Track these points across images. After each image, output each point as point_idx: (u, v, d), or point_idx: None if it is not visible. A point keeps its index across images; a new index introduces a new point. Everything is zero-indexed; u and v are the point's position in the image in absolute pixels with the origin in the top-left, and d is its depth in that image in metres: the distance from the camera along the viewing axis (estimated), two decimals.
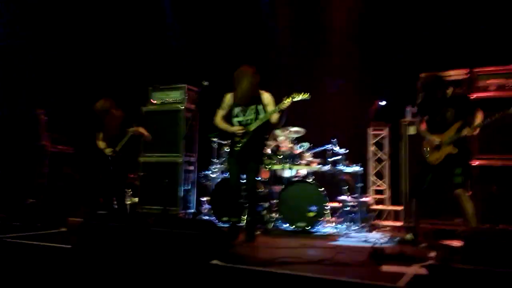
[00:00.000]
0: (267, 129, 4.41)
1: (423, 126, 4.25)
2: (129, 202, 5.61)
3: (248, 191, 4.30)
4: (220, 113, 4.36)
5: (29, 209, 5.20)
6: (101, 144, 4.83)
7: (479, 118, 3.94)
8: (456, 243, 4.13)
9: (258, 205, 4.87)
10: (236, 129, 4.21)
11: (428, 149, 4.11)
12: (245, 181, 4.35)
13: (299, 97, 4.02)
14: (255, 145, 4.23)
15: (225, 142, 5.46)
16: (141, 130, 4.83)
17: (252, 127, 4.16)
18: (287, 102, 4.02)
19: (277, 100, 4.16)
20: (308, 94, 4.05)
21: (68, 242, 3.51)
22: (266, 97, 4.24)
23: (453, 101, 4.04)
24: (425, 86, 4.18)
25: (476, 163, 4.63)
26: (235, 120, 4.28)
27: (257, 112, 4.19)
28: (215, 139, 5.74)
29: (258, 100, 4.21)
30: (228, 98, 4.32)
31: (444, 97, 4.07)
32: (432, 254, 3.50)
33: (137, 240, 3.23)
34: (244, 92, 4.13)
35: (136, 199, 5.82)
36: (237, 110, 4.27)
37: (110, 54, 7.31)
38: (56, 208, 5.21)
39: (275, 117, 4.13)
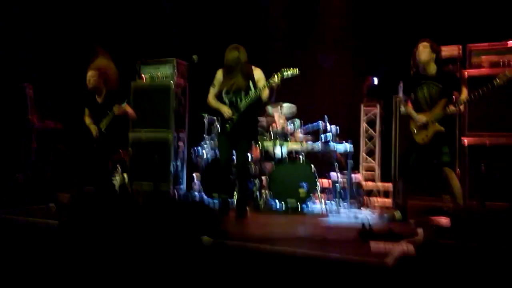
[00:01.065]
0: (258, 106, 4.36)
1: (410, 105, 4.21)
2: (118, 178, 5.57)
3: (238, 168, 4.28)
4: (212, 91, 4.28)
5: (17, 185, 5.14)
6: (87, 120, 4.73)
7: (464, 93, 3.92)
8: (444, 220, 4.19)
9: (248, 182, 4.87)
10: (226, 109, 4.15)
11: (415, 128, 4.09)
12: (235, 157, 4.33)
13: (289, 73, 3.95)
14: (246, 123, 4.18)
15: (216, 118, 5.41)
16: (127, 108, 4.73)
17: (242, 104, 4.10)
18: (277, 77, 3.96)
19: (267, 76, 4.09)
20: (298, 69, 3.98)
21: (56, 217, 3.48)
22: (257, 73, 4.17)
23: (438, 78, 3.99)
24: (414, 63, 4.15)
25: (464, 140, 4.65)
26: (226, 97, 4.22)
27: (247, 89, 4.13)
28: (206, 116, 5.68)
29: (249, 77, 4.14)
30: (219, 75, 4.24)
31: (428, 73, 4.02)
32: (420, 231, 3.54)
33: (127, 217, 3.22)
34: (233, 67, 4.05)
35: (126, 176, 5.79)
36: (227, 87, 4.20)
37: (98, 26, 7.12)
38: (45, 184, 5.16)
39: (265, 94, 4.08)
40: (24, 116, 5.95)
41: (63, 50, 6.98)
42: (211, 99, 4.29)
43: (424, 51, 4.01)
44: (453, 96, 3.99)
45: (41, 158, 5.83)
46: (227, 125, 4.16)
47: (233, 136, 4.18)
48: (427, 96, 4.00)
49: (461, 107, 3.92)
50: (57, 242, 3.18)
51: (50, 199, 4.58)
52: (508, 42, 4.68)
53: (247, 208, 4.41)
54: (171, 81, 5.80)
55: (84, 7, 7.07)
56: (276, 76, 3.96)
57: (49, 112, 6.24)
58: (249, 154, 5.08)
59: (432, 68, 4.02)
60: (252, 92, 4.09)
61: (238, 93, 4.15)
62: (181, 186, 5.99)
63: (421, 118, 4.01)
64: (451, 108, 3.87)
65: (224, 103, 4.22)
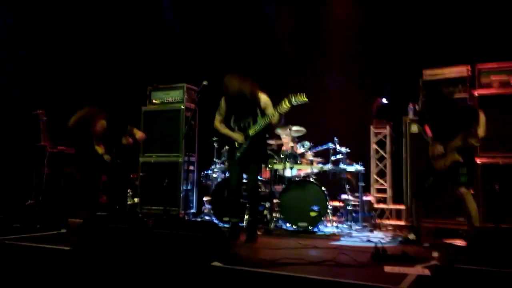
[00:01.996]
0: (267, 130, 4.37)
1: (428, 132, 4.21)
2: (129, 203, 5.59)
3: (249, 191, 4.26)
4: (218, 117, 4.32)
5: (29, 211, 5.17)
6: (99, 150, 4.80)
7: (482, 126, 3.88)
8: (459, 243, 4.10)
9: (259, 205, 4.84)
10: (237, 136, 4.16)
11: (433, 155, 4.07)
12: (246, 181, 4.32)
13: (298, 101, 3.93)
14: (256, 147, 4.19)
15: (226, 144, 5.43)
16: (136, 132, 4.80)
17: (251, 131, 4.12)
18: (286, 106, 3.94)
19: (277, 99, 4.10)
20: (305, 96, 3.94)
21: (68, 243, 3.48)
22: (263, 99, 4.15)
23: (455, 111, 4.01)
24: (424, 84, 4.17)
25: (478, 161, 4.59)
26: (234, 124, 4.24)
27: (255, 115, 4.15)
28: (216, 140, 5.71)
29: (256, 103, 4.14)
30: (223, 103, 4.27)
31: (445, 106, 4.04)
32: (435, 254, 3.46)
33: (138, 242, 3.21)
34: (233, 97, 4.08)
35: (137, 200, 5.80)
36: (234, 115, 4.24)
37: (110, 53, 7.27)
38: (56, 209, 5.19)
39: (275, 120, 4.08)
40: (37, 142, 6.03)
41: (75, 76, 7.13)
42: (219, 125, 4.31)
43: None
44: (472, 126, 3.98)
45: (52, 183, 5.87)
46: (237, 152, 4.17)
47: (243, 160, 4.19)
48: (446, 125, 4.00)
49: (479, 141, 3.90)
50: (69, 268, 3.17)
51: (61, 224, 4.59)
52: None
53: (258, 232, 4.37)
54: (182, 106, 5.86)
55: (98, 34, 7.25)
56: (284, 103, 3.95)
57: (61, 137, 6.32)
58: (259, 177, 5.07)
59: (452, 101, 4.05)
60: (261, 119, 4.09)
61: (246, 120, 4.17)
62: (191, 210, 5.97)
63: (440, 149, 3.99)
64: (470, 141, 3.86)
65: (232, 129, 4.24)
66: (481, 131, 3.88)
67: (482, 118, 3.93)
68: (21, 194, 5.71)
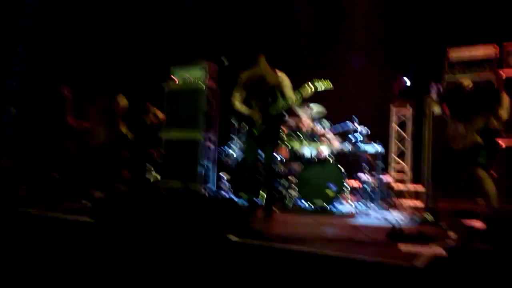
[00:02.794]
0: (285, 110, 4.36)
1: (446, 110, 4.13)
2: (151, 178, 5.71)
3: (265, 168, 4.30)
4: (237, 94, 4.32)
5: (54, 183, 5.35)
6: (123, 129, 4.90)
7: (505, 108, 3.78)
8: (478, 224, 4.06)
9: (275, 182, 4.88)
10: (257, 116, 4.17)
11: (453, 135, 4.00)
12: (263, 158, 4.35)
13: (322, 87, 3.91)
14: (273, 127, 4.20)
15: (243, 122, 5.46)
16: (155, 112, 4.88)
17: (273, 112, 4.12)
18: (309, 90, 3.93)
19: (298, 79, 4.08)
20: (330, 82, 3.92)
21: (90, 216, 3.60)
22: (284, 80, 4.17)
23: (477, 95, 3.90)
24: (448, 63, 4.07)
25: (501, 144, 4.49)
26: (253, 102, 4.25)
27: (274, 95, 4.14)
28: (235, 120, 5.74)
29: (276, 83, 4.15)
30: (244, 78, 4.27)
31: (465, 91, 3.95)
32: (452, 234, 3.45)
33: (158, 215, 3.29)
34: (259, 74, 4.07)
35: (157, 175, 5.92)
36: (253, 92, 4.23)
37: (132, 31, 7.32)
38: (80, 182, 5.35)
39: (297, 103, 4.08)
40: (62, 117, 6.18)
41: (100, 54, 7.21)
42: (237, 103, 4.32)
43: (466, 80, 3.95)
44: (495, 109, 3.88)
45: (77, 157, 6.04)
46: (255, 131, 4.19)
47: (260, 138, 4.21)
48: (467, 108, 3.92)
49: (502, 122, 3.80)
50: (91, 239, 3.29)
51: (84, 196, 4.74)
52: None
53: (274, 208, 4.42)
54: (202, 84, 5.90)
55: (118, 13, 7.28)
56: (308, 87, 3.93)
57: (85, 112, 6.45)
58: (276, 155, 5.09)
59: (468, 84, 3.95)
60: (282, 101, 4.09)
61: (265, 100, 4.17)
62: (210, 185, 6.07)
63: (462, 130, 3.92)
64: (494, 123, 3.77)
65: (251, 107, 4.25)
66: (504, 113, 3.79)
67: (505, 100, 3.83)
68: (47, 168, 5.90)
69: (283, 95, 4.12)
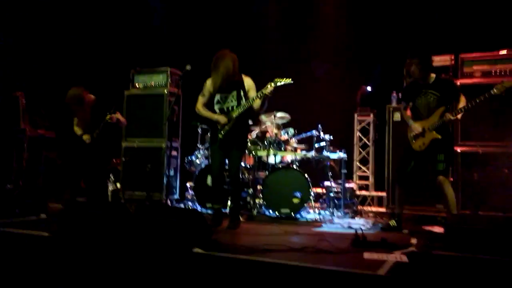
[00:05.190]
0: (249, 115, 4.34)
1: (408, 113, 4.25)
2: (111, 188, 5.53)
3: (231, 177, 4.25)
4: (201, 99, 4.26)
5: (8, 195, 5.08)
6: (78, 131, 4.71)
7: (462, 102, 3.94)
8: (437, 230, 4.18)
9: (241, 191, 4.84)
10: (219, 117, 4.13)
11: (412, 135, 4.11)
12: (228, 167, 4.31)
13: (282, 82, 3.95)
14: (238, 132, 4.16)
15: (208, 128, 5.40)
16: (118, 116, 4.71)
17: (235, 114, 4.09)
18: (270, 87, 3.95)
19: (262, 85, 4.09)
20: (291, 78, 3.97)
21: (47, 229, 3.44)
22: (248, 82, 4.15)
23: (437, 86, 4.02)
24: (408, 72, 4.18)
25: (457, 150, 4.67)
26: (217, 107, 4.20)
27: (238, 98, 4.12)
28: (199, 125, 5.67)
29: (240, 85, 4.13)
30: (209, 84, 4.23)
31: (427, 82, 4.05)
32: (414, 241, 3.53)
33: (118, 228, 3.18)
34: (222, 76, 4.03)
35: (119, 185, 5.75)
36: (218, 96, 4.18)
37: (93, 36, 7.11)
38: (36, 194, 5.11)
39: (257, 103, 4.06)
40: (16, 125, 5.90)
41: (57, 58, 6.96)
42: (201, 107, 4.26)
43: (416, 69, 4.04)
44: (451, 105, 4.03)
45: (32, 167, 5.77)
46: (219, 134, 4.14)
47: (225, 146, 4.16)
48: (425, 104, 4.03)
49: (459, 116, 3.93)
50: (48, 253, 3.14)
51: (41, 209, 4.53)
52: (500, 51, 4.72)
53: (240, 218, 4.38)
54: (165, 90, 5.79)
55: (78, 16, 7.07)
56: (269, 86, 3.96)
57: (41, 120, 6.20)
58: (242, 163, 5.06)
59: (431, 77, 4.05)
60: (244, 102, 4.08)
61: (229, 103, 4.14)
62: (174, 196, 5.95)
63: (418, 127, 4.03)
64: (448, 116, 3.89)
65: (214, 112, 4.21)
66: (461, 104, 3.93)
67: (462, 97, 3.98)
68: (0, 179, 5.60)
69: (246, 97, 4.10)
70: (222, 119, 4.11)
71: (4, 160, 5.77)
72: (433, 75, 4.06)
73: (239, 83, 4.12)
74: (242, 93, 4.11)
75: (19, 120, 5.94)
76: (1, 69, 6.56)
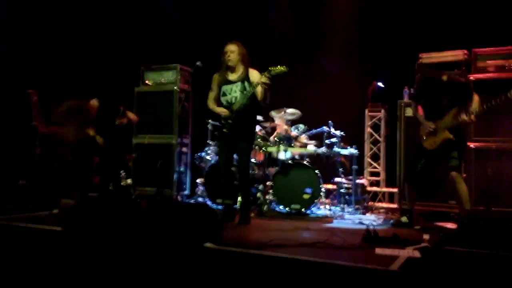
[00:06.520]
0: (256, 109, 4.30)
1: (420, 111, 4.20)
2: (123, 184, 5.56)
3: (240, 172, 4.25)
4: (211, 95, 4.27)
5: (21, 191, 5.14)
6: (91, 132, 4.75)
7: (475, 103, 3.88)
8: (450, 226, 4.14)
9: (251, 187, 4.84)
10: (220, 110, 4.13)
11: (424, 134, 4.07)
12: (237, 162, 4.30)
13: (276, 71, 3.92)
14: (244, 125, 4.14)
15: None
16: (128, 115, 4.74)
17: (236, 106, 4.07)
18: (264, 76, 3.93)
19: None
20: (285, 66, 3.93)
21: (60, 224, 3.47)
22: (253, 74, 4.13)
23: (450, 87, 3.97)
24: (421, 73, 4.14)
25: (471, 145, 4.61)
26: (223, 99, 4.19)
27: (244, 89, 4.10)
28: (210, 122, 5.67)
29: (245, 77, 4.11)
30: (216, 77, 4.23)
31: (440, 83, 4.00)
32: (426, 236, 3.50)
33: (130, 223, 3.20)
34: (232, 63, 4.02)
35: (130, 181, 5.78)
36: (224, 88, 4.18)
37: (103, 33, 7.15)
38: (49, 190, 5.16)
39: (259, 92, 4.03)
40: (28, 122, 5.97)
41: (69, 56, 7.01)
42: (210, 103, 4.27)
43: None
44: (466, 105, 3.96)
45: (45, 163, 5.83)
46: (224, 129, 4.14)
47: (231, 140, 4.15)
48: (438, 104, 3.98)
49: (472, 117, 3.87)
50: (61, 249, 3.17)
51: (53, 205, 4.57)
52: None
53: (251, 214, 4.38)
54: (175, 87, 5.80)
55: (89, 13, 7.11)
56: (264, 75, 3.93)
57: (53, 117, 6.25)
58: (252, 159, 5.06)
59: (444, 77, 4.00)
60: (245, 91, 4.06)
61: (233, 95, 4.13)
62: (185, 192, 5.97)
63: (431, 124, 3.99)
64: (463, 117, 3.85)
65: (221, 105, 4.20)
66: (474, 107, 3.88)
67: (476, 97, 3.92)
68: (13, 174, 5.67)
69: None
70: (223, 111, 4.10)
71: (17, 157, 5.84)
72: (445, 76, 4.01)
73: (244, 75, 4.10)
74: (246, 84, 4.09)
75: (31, 117, 6.01)
76: (13, 67, 6.63)
